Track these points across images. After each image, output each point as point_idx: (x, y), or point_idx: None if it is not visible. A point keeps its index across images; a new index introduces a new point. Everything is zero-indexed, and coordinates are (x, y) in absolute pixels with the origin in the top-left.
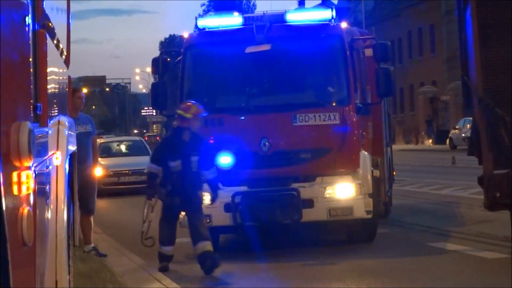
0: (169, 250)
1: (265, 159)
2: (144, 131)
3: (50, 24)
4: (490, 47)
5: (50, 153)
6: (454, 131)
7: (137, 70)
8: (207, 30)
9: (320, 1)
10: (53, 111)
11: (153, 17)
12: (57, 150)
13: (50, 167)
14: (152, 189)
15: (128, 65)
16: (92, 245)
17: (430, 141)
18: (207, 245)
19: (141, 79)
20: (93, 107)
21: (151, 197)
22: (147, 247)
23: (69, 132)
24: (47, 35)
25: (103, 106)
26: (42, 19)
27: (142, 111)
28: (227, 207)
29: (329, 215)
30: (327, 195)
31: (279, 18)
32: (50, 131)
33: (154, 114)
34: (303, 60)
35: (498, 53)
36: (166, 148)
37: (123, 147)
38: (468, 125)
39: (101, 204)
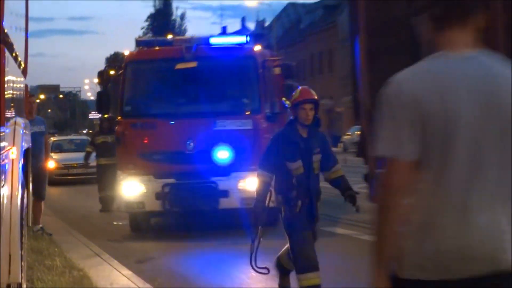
0: (318, 275)
1: (190, 156)
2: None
3: (9, 40)
4: (375, 71)
5: (7, 149)
6: (346, 137)
7: (87, 81)
8: (144, 49)
9: (239, 28)
10: (10, 113)
11: (100, 37)
12: (13, 146)
13: (6, 160)
14: (263, 203)
15: (79, 76)
16: (40, 225)
17: None
18: (313, 278)
19: (89, 88)
20: (49, 110)
21: (262, 212)
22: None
23: (24, 131)
24: (5, 50)
25: (57, 110)
26: (1, 36)
27: (90, 115)
28: (158, 196)
29: (242, 203)
30: (240, 187)
31: (205, 40)
32: (7, 130)
33: (99, 117)
34: (223, 75)
35: (381, 76)
36: (281, 146)
37: (72, 144)
38: (357, 132)
39: (53, 191)
